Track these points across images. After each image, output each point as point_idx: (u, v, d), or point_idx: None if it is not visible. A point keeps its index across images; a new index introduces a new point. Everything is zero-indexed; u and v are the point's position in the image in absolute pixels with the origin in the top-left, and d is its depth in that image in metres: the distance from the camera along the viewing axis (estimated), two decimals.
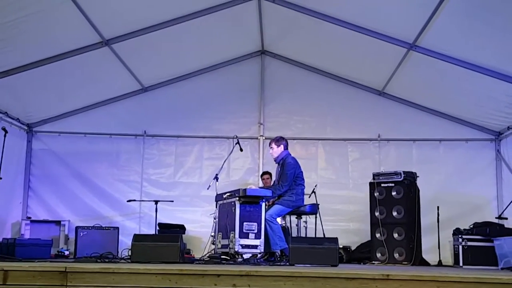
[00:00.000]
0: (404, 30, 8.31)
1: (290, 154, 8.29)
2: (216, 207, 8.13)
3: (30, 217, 10.19)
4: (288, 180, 8.03)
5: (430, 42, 8.27)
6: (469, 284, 4.44)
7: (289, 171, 8.05)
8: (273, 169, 10.10)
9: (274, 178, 8.89)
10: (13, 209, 10.07)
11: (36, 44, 8.10)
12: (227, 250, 7.45)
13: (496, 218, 9.10)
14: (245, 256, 7.29)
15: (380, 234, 9.07)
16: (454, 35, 7.93)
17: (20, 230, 9.92)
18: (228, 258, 7.35)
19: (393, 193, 9.12)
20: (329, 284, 4.58)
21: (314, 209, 8.56)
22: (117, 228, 9.91)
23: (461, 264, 8.78)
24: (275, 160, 8.42)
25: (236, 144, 8.94)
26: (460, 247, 8.85)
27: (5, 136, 7.87)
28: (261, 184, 10.07)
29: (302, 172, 8.24)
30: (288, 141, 8.52)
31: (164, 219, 10.12)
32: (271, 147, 8.39)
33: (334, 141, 10.72)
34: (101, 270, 4.75)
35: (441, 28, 7.76)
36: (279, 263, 7.00)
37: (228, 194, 7.74)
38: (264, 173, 10.19)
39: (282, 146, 8.31)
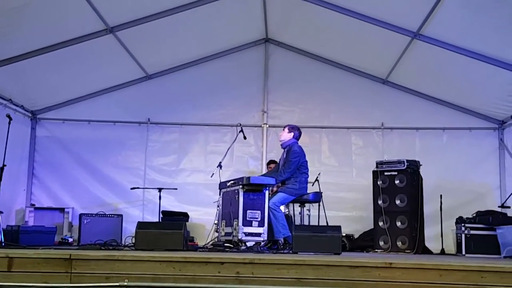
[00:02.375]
0: (408, 19, 8.28)
1: (298, 143, 8.31)
2: (220, 195, 8.16)
3: (34, 204, 10.22)
4: (291, 167, 8.06)
5: (434, 31, 8.24)
6: (471, 273, 4.48)
7: (294, 158, 8.09)
8: (276, 157, 10.15)
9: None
10: (17, 196, 10.10)
11: (40, 31, 8.09)
12: (230, 238, 7.49)
13: (498, 207, 9.12)
14: (248, 244, 7.33)
15: (383, 223, 9.09)
16: (458, 24, 7.91)
17: (24, 217, 9.97)
18: (232, 246, 7.39)
19: (396, 182, 9.13)
20: (332, 272, 4.61)
21: (317, 197, 8.59)
22: (121, 215, 9.94)
23: (463, 252, 8.81)
24: (281, 145, 8.45)
25: (239, 132, 8.94)
26: (463, 235, 8.86)
27: (9, 123, 7.86)
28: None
29: (306, 161, 8.29)
30: None
31: (168, 206, 10.17)
32: (283, 130, 8.49)
33: (337, 129, 10.71)
34: (106, 257, 4.80)
35: (445, 17, 7.73)
36: (282, 251, 7.04)
37: (232, 182, 7.77)
38: (270, 161, 10.18)
39: (293, 134, 8.38)
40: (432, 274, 4.53)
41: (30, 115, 10.48)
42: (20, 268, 4.70)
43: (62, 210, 10.12)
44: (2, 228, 7.78)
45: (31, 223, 9.73)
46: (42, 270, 4.69)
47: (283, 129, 8.54)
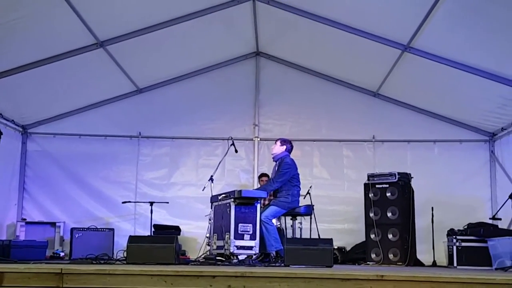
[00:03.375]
0: (399, 32, 8.34)
1: (290, 156, 8.33)
2: (211, 208, 8.14)
3: (25, 219, 10.15)
4: (282, 177, 8.09)
5: (424, 44, 8.30)
6: (463, 285, 4.47)
7: (285, 169, 8.11)
8: (268, 170, 10.16)
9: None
10: (8, 210, 10.06)
11: (31, 46, 8.09)
12: (222, 251, 7.46)
13: (490, 218, 9.12)
14: (240, 257, 7.31)
15: (375, 235, 9.10)
16: (448, 37, 7.97)
17: (15, 231, 9.89)
18: (223, 259, 7.37)
19: (388, 194, 9.14)
20: (324, 285, 4.60)
21: (309, 210, 8.59)
22: (113, 229, 9.91)
23: (455, 264, 8.81)
24: (273, 158, 8.47)
25: (231, 145, 8.95)
26: (454, 247, 8.87)
27: (0, 138, 7.85)
28: (258, 186, 10.09)
29: (298, 174, 8.30)
30: None
31: (159, 220, 10.14)
32: (275, 143, 8.51)
33: (329, 142, 10.74)
34: (97, 271, 4.77)
35: (435, 30, 7.79)
36: (274, 264, 7.02)
37: (223, 195, 7.76)
38: (262, 174, 10.20)
39: (285, 147, 8.40)
40: (424, 286, 4.51)
41: (21, 129, 10.45)
42: (11, 283, 4.66)
43: (53, 224, 10.06)
44: None
45: (22, 237, 9.66)
46: (33, 284, 4.66)
47: (275, 143, 8.56)
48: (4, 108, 9.38)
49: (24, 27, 7.46)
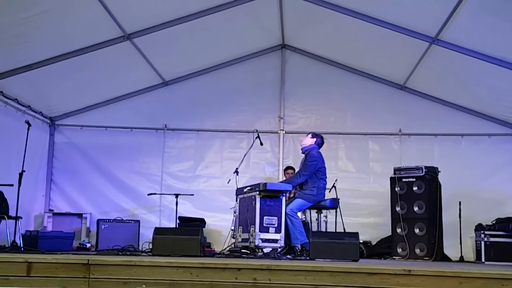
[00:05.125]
0: (426, 24, 8.25)
1: (317, 149, 8.29)
2: (237, 201, 8.14)
3: (52, 210, 10.28)
4: (308, 170, 8.05)
5: (452, 36, 8.19)
6: (492, 280, 4.41)
7: (311, 162, 8.07)
8: (293, 163, 10.14)
9: None
10: (36, 201, 10.18)
11: (58, 39, 8.17)
12: (247, 244, 7.46)
13: None
14: (265, 250, 7.31)
15: (401, 229, 9.02)
16: (476, 29, 7.86)
17: (42, 222, 10.05)
18: (248, 252, 7.38)
19: (414, 188, 9.05)
20: (350, 279, 4.57)
21: (334, 204, 8.54)
22: (138, 221, 9.99)
23: (483, 260, 8.71)
24: (301, 150, 8.44)
25: (256, 138, 8.93)
26: (483, 242, 8.77)
27: (28, 129, 7.94)
28: (283, 179, 10.08)
29: (325, 167, 8.24)
30: None
31: (184, 212, 10.18)
32: (306, 136, 8.51)
33: (354, 135, 10.67)
34: (123, 262, 4.81)
35: (463, 22, 7.70)
36: (299, 258, 7.00)
37: (249, 188, 7.75)
38: (287, 167, 10.17)
39: (315, 140, 8.39)
40: (451, 281, 4.46)
41: (49, 121, 10.57)
42: (39, 273, 4.72)
43: (80, 215, 10.19)
44: (21, 233, 7.84)
45: (49, 228, 9.80)
46: (60, 275, 4.71)
47: (306, 135, 8.54)
48: (32, 100, 9.48)
49: (51, 20, 7.54)
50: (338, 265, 4.81)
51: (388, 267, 4.61)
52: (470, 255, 9.27)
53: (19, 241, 7.57)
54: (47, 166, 10.56)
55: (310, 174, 8.07)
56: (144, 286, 4.64)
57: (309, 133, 8.60)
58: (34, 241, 7.99)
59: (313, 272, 4.62)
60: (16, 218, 7.64)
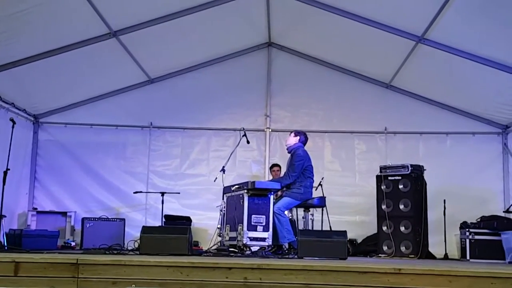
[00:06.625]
0: (413, 23, 8.27)
1: (303, 147, 8.29)
2: (224, 199, 8.12)
3: (36, 208, 10.18)
4: (296, 170, 8.05)
5: (439, 35, 8.23)
6: (481, 279, 4.44)
7: (297, 161, 8.08)
8: (279, 161, 10.14)
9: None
10: (20, 200, 10.06)
11: (43, 35, 8.09)
12: (235, 242, 7.45)
13: (503, 212, 9.11)
14: (253, 249, 7.30)
15: (387, 227, 9.05)
16: (463, 29, 7.90)
17: (26, 221, 9.91)
18: (236, 250, 7.36)
19: (400, 186, 9.09)
20: (340, 278, 4.58)
21: (322, 202, 8.56)
22: (123, 219, 9.95)
23: (468, 257, 8.80)
24: (287, 149, 8.44)
25: (243, 136, 8.91)
26: (467, 240, 8.86)
27: (13, 127, 7.86)
28: (269, 176, 10.08)
29: (311, 165, 8.26)
30: None
31: (170, 210, 10.13)
32: (289, 135, 8.49)
33: (340, 133, 10.70)
34: (112, 262, 4.76)
35: (450, 21, 7.73)
36: (287, 256, 7.00)
37: (237, 186, 7.74)
38: (273, 165, 10.19)
39: (298, 138, 8.37)
40: (441, 280, 4.49)
41: (33, 119, 10.46)
42: (27, 273, 4.66)
43: (64, 214, 10.08)
44: (5, 232, 7.75)
45: (33, 227, 9.69)
46: (49, 275, 4.65)
47: (289, 134, 8.53)
48: (16, 97, 9.36)
49: (36, 16, 7.45)
50: (328, 264, 4.81)
51: (379, 266, 4.63)
52: (454, 252, 9.39)
53: (3, 240, 7.49)
54: (31, 164, 10.45)
55: (298, 174, 8.07)
56: (134, 285, 4.60)
57: (292, 132, 8.60)
58: (18, 240, 7.87)
59: (304, 271, 4.62)
60: (0, 216, 7.55)
